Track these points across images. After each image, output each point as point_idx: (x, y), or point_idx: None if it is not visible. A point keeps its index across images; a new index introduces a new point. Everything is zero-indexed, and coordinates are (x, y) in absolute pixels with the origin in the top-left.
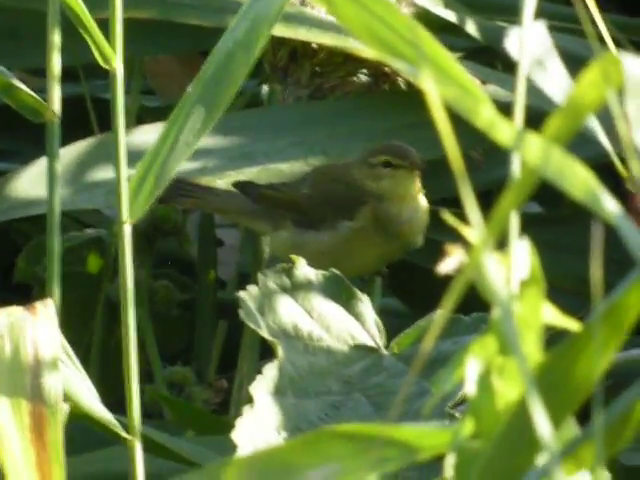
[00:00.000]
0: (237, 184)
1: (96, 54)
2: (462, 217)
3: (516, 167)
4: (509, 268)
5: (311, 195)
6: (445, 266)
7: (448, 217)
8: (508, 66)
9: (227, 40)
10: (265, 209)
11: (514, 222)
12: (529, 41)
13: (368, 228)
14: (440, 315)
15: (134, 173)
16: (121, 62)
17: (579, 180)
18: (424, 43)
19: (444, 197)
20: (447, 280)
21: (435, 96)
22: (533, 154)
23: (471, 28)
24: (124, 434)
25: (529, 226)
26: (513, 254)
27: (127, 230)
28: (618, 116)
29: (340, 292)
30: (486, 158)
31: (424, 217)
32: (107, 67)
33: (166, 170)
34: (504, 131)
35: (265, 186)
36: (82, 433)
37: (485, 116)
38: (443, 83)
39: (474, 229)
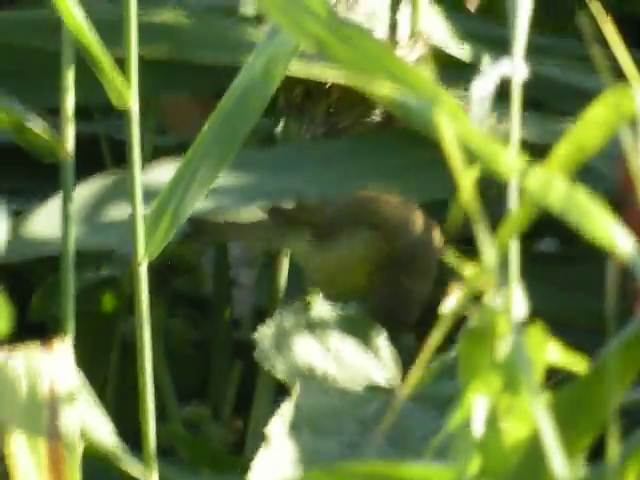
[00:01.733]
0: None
1: (111, 94)
2: (470, 254)
3: (514, 202)
4: (511, 307)
5: (337, 213)
6: (449, 305)
7: (451, 258)
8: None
9: (243, 77)
10: (286, 226)
11: (515, 260)
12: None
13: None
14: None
15: (149, 212)
16: (137, 102)
17: (593, 218)
18: (421, 83)
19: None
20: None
21: (449, 134)
22: (538, 189)
23: (486, 65)
24: (141, 474)
25: (545, 264)
26: (514, 292)
27: (143, 270)
28: (629, 148)
29: (357, 329)
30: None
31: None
32: (122, 107)
33: (182, 209)
34: (510, 166)
35: (290, 209)
36: (97, 471)
37: (490, 154)
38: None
39: (488, 268)
